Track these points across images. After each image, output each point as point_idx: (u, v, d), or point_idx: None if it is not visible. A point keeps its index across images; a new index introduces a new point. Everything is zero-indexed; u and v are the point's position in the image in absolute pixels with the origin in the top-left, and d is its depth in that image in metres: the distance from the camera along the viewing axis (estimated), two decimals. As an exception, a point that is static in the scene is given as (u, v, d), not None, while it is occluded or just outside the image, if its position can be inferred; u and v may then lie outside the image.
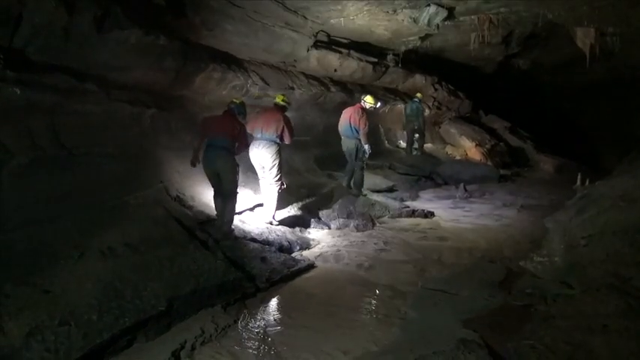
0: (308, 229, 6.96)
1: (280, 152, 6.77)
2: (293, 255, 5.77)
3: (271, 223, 6.64)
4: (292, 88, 9.28)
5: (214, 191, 6.04)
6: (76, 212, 4.98)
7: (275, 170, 6.69)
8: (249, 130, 6.60)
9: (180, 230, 5.13)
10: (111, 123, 6.04)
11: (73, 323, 3.58)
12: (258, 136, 6.70)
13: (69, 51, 5.24)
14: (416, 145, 13.13)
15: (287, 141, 6.83)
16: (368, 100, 8.72)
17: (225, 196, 5.91)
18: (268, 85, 8.66)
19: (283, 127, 6.69)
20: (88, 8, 5.05)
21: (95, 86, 5.73)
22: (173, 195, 6.05)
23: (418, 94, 12.91)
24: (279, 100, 7.02)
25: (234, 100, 6.27)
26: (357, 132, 8.29)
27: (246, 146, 6.38)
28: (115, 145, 6.00)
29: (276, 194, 6.73)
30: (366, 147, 8.34)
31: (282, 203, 7.05)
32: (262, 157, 6.67)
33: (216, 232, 5.68)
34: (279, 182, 6.76)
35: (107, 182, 5.55)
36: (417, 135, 13.00)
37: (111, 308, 3.81)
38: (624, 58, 9.27)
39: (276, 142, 6.70)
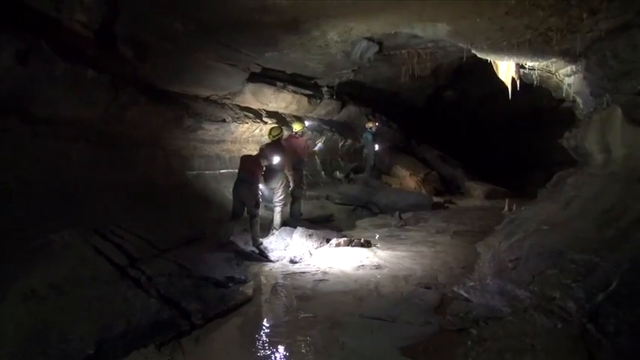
0: (245, 262, 6.85)
1: (284, 178, 8.29)
2: (230, 289, 5.65)
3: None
4: (225, 121, 9.25)
5: (232, 214, 7.34)
6: (-3, 253, 4.72)
7: (279, 193, 8.24)
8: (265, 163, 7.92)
9: (110, 269, 4.94)
10: (37, 159, 5.79)
11: (-9, 373, 3.37)
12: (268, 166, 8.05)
13: (-10, 86, 5.04)
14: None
15: (286, 168, 8.30)
16: (296, 128, 9.53)
17: (250, 217, 7.30)
18: (202, 117, 8.62)
19: (282, 157, 8.11)
20: (9, 42, 4.87)
21: (18, 122, 5.51)
22: (103, 232, 5.83)
23: (368, 123, 13.28)
24: (269, 135, 8.33)
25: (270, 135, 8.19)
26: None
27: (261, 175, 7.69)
28: (43, 182, 5.74)
29: (279, 212, 8.34)
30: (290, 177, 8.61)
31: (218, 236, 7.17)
32: (270, 184, 8.18)
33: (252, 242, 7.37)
34: (282, 203, 8.35)
35: (33, 220, 5.28)
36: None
37: (35, 354, 3.60)
38: (543, 90, 9.88)
39: (278, 170, 8.13)
